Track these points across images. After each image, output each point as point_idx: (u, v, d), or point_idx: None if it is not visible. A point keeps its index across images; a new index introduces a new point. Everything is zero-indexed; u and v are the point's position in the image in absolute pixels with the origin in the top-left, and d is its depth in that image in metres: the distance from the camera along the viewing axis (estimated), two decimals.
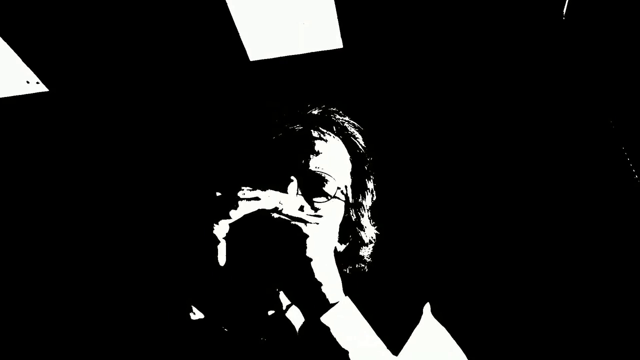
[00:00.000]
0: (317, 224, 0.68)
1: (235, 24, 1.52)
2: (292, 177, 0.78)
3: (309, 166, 0.84)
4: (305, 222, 0.68)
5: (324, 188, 0.84)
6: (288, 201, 0.70)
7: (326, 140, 0.89)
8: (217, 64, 1.66)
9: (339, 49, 1.61)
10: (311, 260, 0.66)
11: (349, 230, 0.91)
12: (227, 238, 0.68)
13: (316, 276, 0.66)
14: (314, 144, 0.87)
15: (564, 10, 1.52)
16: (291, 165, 0.82)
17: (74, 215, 1.63)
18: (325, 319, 0.66)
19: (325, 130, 0.91)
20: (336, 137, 0.93)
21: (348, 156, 0.94)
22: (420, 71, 1.61)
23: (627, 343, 1.25)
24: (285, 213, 0.68)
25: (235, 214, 0.67)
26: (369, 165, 0.97)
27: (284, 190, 0.77)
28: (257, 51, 1.61)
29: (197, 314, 0.76)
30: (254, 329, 0.78)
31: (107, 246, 1.55)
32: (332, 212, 0.85)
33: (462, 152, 1.52)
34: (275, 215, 0.68)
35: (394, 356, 0.71)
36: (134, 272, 1.48)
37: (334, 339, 0.65)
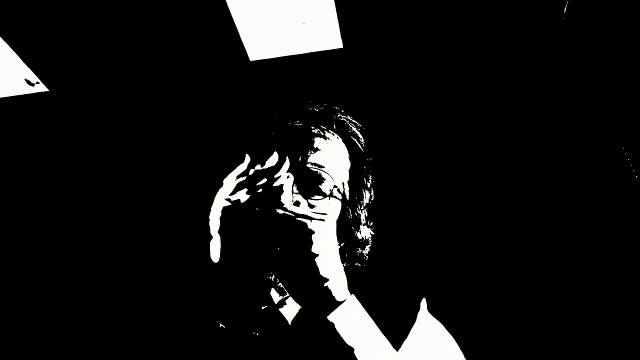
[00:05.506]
0: (323, 220, 0.68)
1: (235, 24, 1.52)
2: (289, 174, 0.78)
3: (306, 163, 0.84)
4: (311, 218, 0.67)
5: (320, 186, 0.84)
6: (291, 198, 0.70)
7: (326, 138, 0.89)
8: (217, 64, 1.66)
9: (339, 49, 1.61)
10: (317, 256, 0.66)
11: (345, 228, 0.90)
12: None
13: (322, 272, 0.66)
14: (313, 141, 0.87)
15: (564, 11, 1.52)
16: (289, 162, 0.82)
17: (73, 214, 1.63)
18: (333, 317, 0.66)
19: (325, 128, 0.91)
20: (336, 135, 0.93)
21: (347, 155, 0.93)
22: (420, 71, 1.61)
23: (625, 342, 1.25)
24: (291, 210, 0.68)
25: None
26: (368, 164, 0.96)
27: (280, 186, 0.77)
28: (257, 51, 1.61)
29: (196, 311, 0.76)
30: (251, 324, 0.78)
31: (105, 243, 1.56)
32: (330, 209, 0.85)
33: (462, 152, 1.52)
34: (280, 211, 0.68)
35: (396, 352, 0.71)
36: (132, 266, 1.48)
37: (341, 337, 0.65)
